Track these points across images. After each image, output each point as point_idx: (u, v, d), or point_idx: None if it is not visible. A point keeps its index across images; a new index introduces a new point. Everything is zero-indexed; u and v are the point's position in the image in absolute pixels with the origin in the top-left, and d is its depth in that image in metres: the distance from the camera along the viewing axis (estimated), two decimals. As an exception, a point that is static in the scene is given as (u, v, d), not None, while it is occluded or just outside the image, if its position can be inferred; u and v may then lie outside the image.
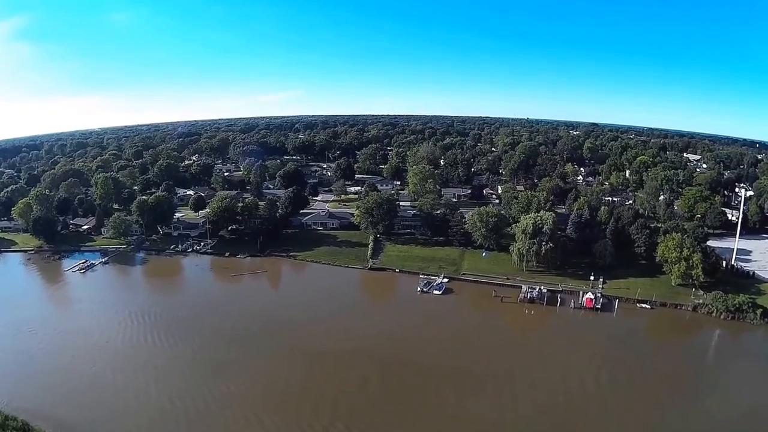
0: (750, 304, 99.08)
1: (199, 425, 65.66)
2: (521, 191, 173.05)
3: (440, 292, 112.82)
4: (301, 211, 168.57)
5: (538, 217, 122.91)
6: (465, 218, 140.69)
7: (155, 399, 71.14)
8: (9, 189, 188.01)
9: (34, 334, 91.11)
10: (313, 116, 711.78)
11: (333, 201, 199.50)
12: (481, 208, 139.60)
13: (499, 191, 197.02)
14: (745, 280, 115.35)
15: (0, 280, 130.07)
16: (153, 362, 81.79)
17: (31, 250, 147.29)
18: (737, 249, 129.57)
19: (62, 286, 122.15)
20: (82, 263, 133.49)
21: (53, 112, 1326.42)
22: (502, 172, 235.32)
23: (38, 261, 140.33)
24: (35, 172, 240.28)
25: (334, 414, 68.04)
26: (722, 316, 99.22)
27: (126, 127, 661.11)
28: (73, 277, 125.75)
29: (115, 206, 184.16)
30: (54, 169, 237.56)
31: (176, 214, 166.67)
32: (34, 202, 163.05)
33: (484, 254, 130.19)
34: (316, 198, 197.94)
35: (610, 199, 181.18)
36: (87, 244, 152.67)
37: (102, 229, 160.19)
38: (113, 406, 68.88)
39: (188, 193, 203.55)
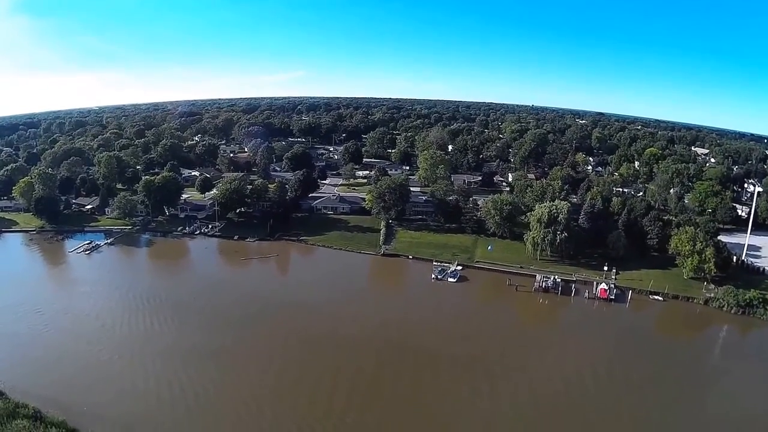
0: (760, 300, 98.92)
1: (201, 409, 64.92)
2: (532, 179, 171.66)
3: (455, 280, 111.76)
4: (311, 195, 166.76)
5: (554, 206, 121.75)
6: (479, 205, 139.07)
7: (157, 383, 69.89)
8: (9, 168, 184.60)
9: (41, 315, 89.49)
10: (315, 98, 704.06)
11: (342, 185, 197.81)
12: (495, 195, 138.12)
13: (510, 179, 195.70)
14: (756, 276, 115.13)
15: (3, 260, 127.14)
16: (157, 346, 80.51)
17: (33, 231, 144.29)
18: (747, 245, 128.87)
19: (67, 268, 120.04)
20: (87, 244, 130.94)
21: (50, 88, 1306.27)
22: (511, 160, 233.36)
23: (41, 241, 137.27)
24: (34, 151, 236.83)
25: (331, 400, 67.24)
26: (733, 311, 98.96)
27: (124, 105, 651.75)
28: (78, 259, 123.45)
29: (119, 186, 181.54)
30: (54, 147, 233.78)
31: (182, 195, 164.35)
32: (37, 181, 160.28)
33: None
34: (324, 182, 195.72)
35: (621, 190, 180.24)
36: (91, 224, 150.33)
37: (106, 209, 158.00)
38: (117, 391, 67.52)
39: (193, 173, 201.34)
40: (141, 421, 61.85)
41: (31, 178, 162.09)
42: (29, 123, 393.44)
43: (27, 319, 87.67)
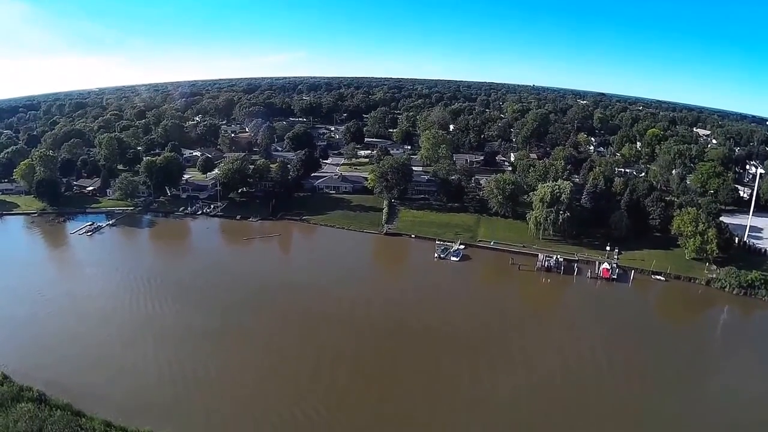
0: (762, 281, 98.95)
1: (201, 389, 65.17)
2: (535, 159, 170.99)
3: (458, 259, 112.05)
4: (313, 174, 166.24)
5: (556, 186, 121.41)
6: (482, 185, 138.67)
7: (158, 364, 70.09)
8: (9, 150, 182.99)
9: (43, 297, 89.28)
10: (316, 78, 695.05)
11: (344, 164, 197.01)
12: (498, 175, 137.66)
13: (512, 158, 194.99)
14: (758, 257, 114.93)
15: (5, 243, 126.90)
16: (159, 326, 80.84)
17: (35, 213, 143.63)
18: (749, 226, 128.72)
19: (69, 249, 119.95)
20: (89, 225, 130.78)
21: (49, 71, 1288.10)
22: (513, 140, 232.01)
23: (42, 224, 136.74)
24: (35, 133, 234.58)
25: (332, 380, 67.65)
26: (734, 292, 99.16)
27: (125, 87, 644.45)
28: (80, 240, 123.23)
29: (120, 167, 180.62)
30: (54, 129, 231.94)
31: (184, 176, 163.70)
32: (37, 163, 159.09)
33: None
34: (326, 161, 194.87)
35: (623, 170, 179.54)
36: (92, 205, 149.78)
37: (107, 191, 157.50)
38: (118, 371, 67.51)
39: (194, 154, 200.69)
40: (142, 401, 61.91)
41: (32, 161, 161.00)
42: (29, 105, 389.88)
43: (29, 301, 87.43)
